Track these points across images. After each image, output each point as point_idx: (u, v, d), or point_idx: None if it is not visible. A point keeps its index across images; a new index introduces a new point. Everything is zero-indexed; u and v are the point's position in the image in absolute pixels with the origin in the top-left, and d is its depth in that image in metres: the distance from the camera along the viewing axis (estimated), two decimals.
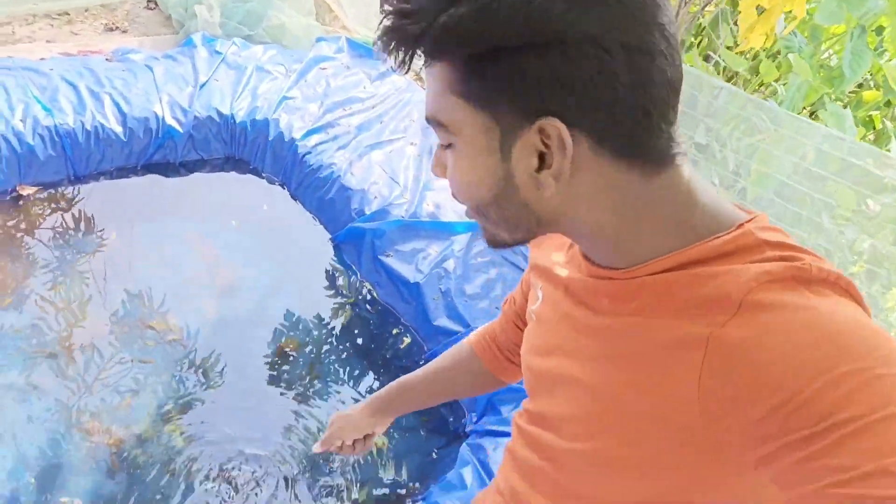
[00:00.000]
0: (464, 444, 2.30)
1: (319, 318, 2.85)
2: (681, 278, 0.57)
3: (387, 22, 0.55)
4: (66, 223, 2.94)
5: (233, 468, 2.24)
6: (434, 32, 0.53)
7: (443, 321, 2.65)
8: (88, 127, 3.02)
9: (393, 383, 1.17)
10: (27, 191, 2.94)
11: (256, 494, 2.20)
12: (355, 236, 2.95)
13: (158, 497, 2.13)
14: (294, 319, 2.81)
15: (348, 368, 2.67)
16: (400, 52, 0.56)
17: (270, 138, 3.28)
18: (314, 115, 3.40)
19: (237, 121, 3.30)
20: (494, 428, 2.29)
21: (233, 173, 3.42)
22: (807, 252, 0.56)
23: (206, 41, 3.72)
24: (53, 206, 3.01)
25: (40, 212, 2.95)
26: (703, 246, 0.57)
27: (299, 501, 2.21)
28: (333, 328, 2.82)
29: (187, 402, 2.43)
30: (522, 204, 0.59)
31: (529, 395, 0.81)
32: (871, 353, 0.48)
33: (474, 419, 2.45)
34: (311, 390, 2.61)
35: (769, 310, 0.52)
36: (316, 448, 1.26)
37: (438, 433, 2.53)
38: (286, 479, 2.24)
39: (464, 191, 0.62)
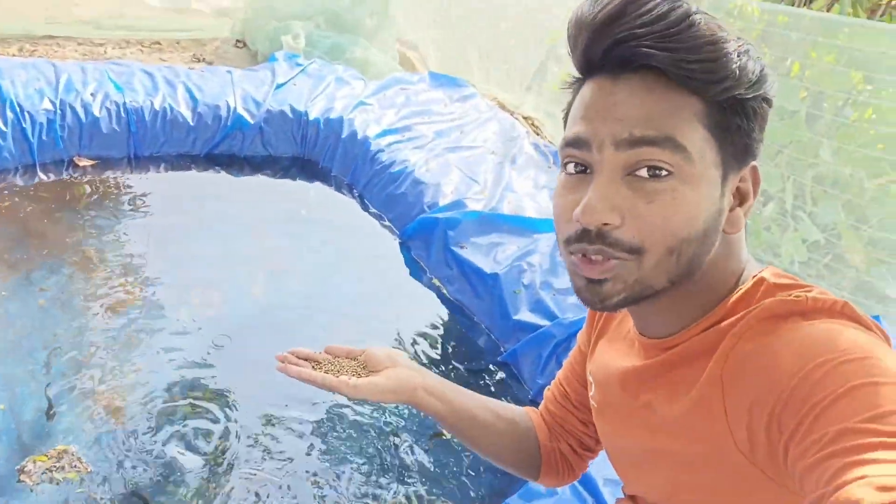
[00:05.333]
0: None
1: (377, 314, 2.46)
2: (710, 336, 0.63)
3: (718, 46, 0.58)
4: (116, 199, 2.73)
5: (252, 470, 1.79)
6: (736, 74, 0.58)
7: (524, 315, 2.20)
8: (157, 107, 2.89)
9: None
10: (84, 162, 2.78)
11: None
12: (426, 228, 2.61)
13: (152, 459, 1.69)
14: (346, 311, 2.43)
15: None
16: (713, 77, 0.59)
17: (343, 136, 3.07)
18: (391, 120, 3.20)
19: (310, 118, 3.11)
20: None
21: (299, 181, 3.20)
22: (811, 289, 0.61)
23: (288, 56, 3.66)
24: (108, 181, 2.81)
25: (92, 185, 2.76)
26: (729, 300, 0.64)
27: None
28: (394, 327, 2.41)
29: (205, 378, 2.03)
30: (712, 243, 0.63)
31: (621, 479, 0.83)
32: (836, 350, 0.54)
33: None
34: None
35: (762, 337, 0.59)
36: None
37: None
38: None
39: (678, 222, 0.60)
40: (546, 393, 0.97)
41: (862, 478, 0.46)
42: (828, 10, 2.88)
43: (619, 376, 0.75)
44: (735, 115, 0.60)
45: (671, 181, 0.59)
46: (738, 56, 0.59)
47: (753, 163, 0.64)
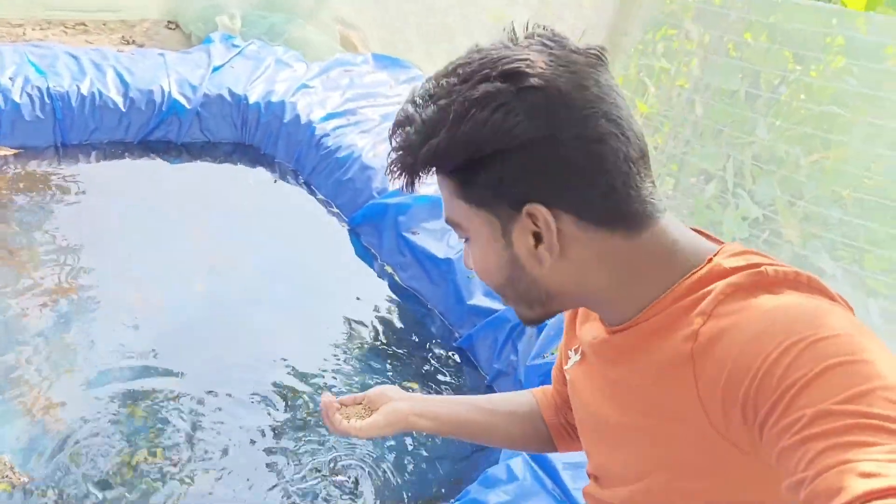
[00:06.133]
0: None
1: (329, 304, 2.40)
2: (667, 318, 0.65)
3: (392, 155, 0.68)
4: (43, 190, 2.57)
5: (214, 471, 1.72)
6: (421, 159, 0.65)
7: (479, 300, 2.19)
8: (85, 92, 2.72)
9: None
10: (4, 152, 2.60)
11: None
12: (376, 214, 2.56)
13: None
14: (296, 302, 2.36)
15: (368, 361, 2.18)
16: (404, 177, 0.67)
17: (285, 120, 2.97)
18: (335, 103, 3.11)
19: (250, 102, 3.00)
20: None
21: (240, 165, 3.08)
22: (772, 262, 0.63)
23: (224, 38, 3.51)
24: (34, 172, 2.64)
25: (16, 175, 2.58)
26: (681, 285, 0.65)
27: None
28: (346, 316, 2.35)
29: (149, 377, 1.94)
30: (531, 281, 0.69)
31: (588, 456, 0.85)
32: (810, 327, 0.54)
33: None
34: (320, 389, 2.11)
35: (732, 313, 0.59)
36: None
37: None
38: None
39: (484, 276, 0.72)
40: (552, 372, 1.03)
41: (844, 463, 0.45)
42: None
43: (594, 348, 0.78)
44: (474, 176, 0.65)
45: (470, 244, 0.72)
46: (421, 138, 0.64)
47: (527, 207, 0.64)
